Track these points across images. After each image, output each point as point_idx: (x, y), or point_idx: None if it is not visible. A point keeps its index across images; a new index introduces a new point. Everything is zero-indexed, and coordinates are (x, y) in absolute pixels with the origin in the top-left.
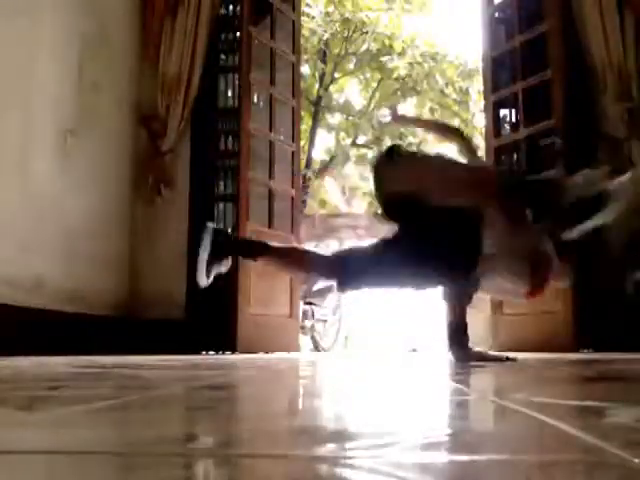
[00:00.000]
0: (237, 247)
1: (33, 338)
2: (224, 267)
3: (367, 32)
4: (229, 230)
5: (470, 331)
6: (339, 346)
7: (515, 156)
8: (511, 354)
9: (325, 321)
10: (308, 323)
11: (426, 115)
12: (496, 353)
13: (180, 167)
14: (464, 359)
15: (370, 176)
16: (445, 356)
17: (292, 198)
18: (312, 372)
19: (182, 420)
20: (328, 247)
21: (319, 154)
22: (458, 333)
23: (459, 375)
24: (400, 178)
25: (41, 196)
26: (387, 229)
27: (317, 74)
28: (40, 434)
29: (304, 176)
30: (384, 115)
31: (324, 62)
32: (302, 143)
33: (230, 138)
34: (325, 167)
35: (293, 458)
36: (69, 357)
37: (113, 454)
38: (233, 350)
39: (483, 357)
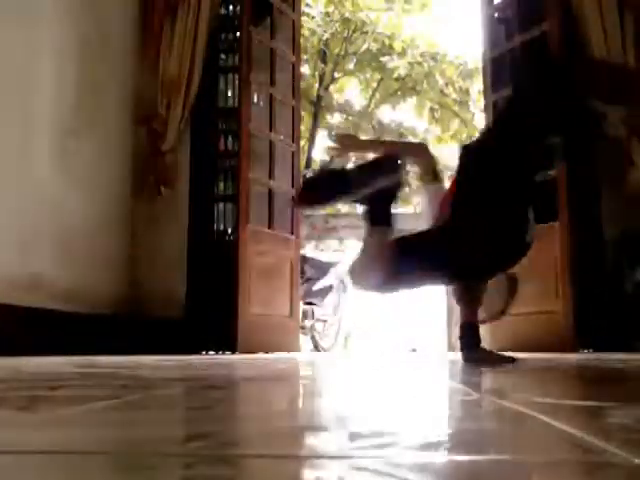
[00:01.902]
0: None
1: (32, 338)
2: None
3: (367, 32)
4: None
5: None
6: (339, 346)
7: None
8: (510, 354)
9: (325, 321)
10: (308, 323)
11: (426, 115)
12: (503, 353)
13: (180, 167)
14: (475, 360)
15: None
16: (445, 356)
17: (292, 198)
18: (312, 372)
19: (182, 420)
20: (328, 247)
21: (319, 154)
22: (471, 334)
23: (459, 375)
24: None
25: (41, 196)
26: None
27: (317, 74)
28: (40, 434)
29: (304, 176)
30: (330, 143)
31: (324, 62)
32: (302, 143)
33: (230, 138)
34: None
35: (293, 458)
36: (69, 357)
37: (113, 454)
38: (233, 350)
39: (492, 358)
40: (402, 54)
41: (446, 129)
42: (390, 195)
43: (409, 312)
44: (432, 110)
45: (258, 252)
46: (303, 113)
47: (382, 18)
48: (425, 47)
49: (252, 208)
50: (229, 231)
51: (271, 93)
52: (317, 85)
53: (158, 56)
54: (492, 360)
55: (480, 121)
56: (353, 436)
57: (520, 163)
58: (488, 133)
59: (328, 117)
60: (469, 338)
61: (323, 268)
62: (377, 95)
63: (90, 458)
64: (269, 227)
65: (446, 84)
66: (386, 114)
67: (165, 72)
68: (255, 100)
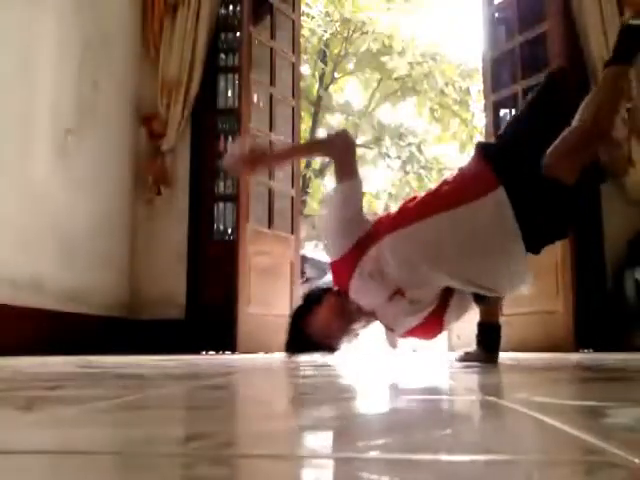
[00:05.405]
0: None
1: (33, 338)
2: None
3: (367, 32)
4: None
5: (470, 332)
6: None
7: None
8: (510, 354)
9: None
10: None
11: (426, 115)
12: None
13: (180, 167)
14: (490, 361)
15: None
16: (445, 356)
17: (292, 198)
18: (312, 372)
19: (182, 420)
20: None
21: None
22: (489, 334)
23: (459, 375)
24: None
25: (41, 196)
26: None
27: (317, 74)
28: (40, 434)
29: (304, 176)
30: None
31: (324, 62)
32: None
33: (230, 138)
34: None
35: (293, 458)
36: (69, 357)
37: (113, 454)
38: (233, 350)
39: (491, 359)
40: (402, 54)
41: (446, 129)
42: None
43: None
44: (432, 110)
45: (258, 252)
46: (303, 113)
47: (382, 18)
48: (425, 47)
49: (252, 208)
50: (229, 231)
51: (271, 93)
52: (317, 85)
53: (158, 56)
54: (485, 359)
55: (480, 121)
56: (353, 436)
57: None
58: None
59: (328, 117)
60: (488, 337)
61: (323, 268)
62: (377, 95)
63: (90, 458)
64: (269, 227)
65: (446, 84)
66: (386, 114)
67: (165, 72)
68: (255, 100)
